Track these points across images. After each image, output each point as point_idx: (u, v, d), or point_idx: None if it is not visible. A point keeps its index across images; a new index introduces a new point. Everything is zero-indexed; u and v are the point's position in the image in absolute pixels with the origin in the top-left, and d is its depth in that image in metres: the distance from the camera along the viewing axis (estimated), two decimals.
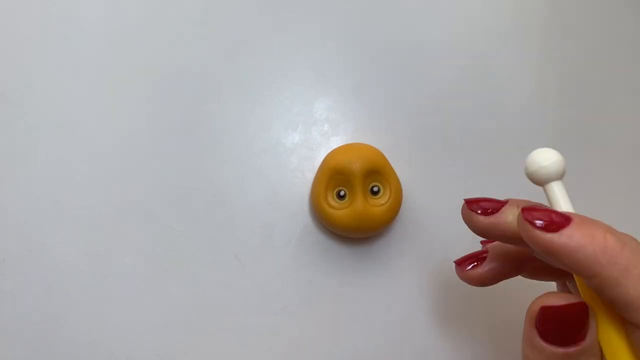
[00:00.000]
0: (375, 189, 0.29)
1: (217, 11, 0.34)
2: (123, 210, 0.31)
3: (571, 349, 0.18)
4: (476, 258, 0.24)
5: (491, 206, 0.23)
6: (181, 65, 0.33)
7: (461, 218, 0.32)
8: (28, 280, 0.30)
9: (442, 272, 0.31)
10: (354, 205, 0.28)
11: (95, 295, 0.30)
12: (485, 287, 0.32)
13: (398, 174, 0.30)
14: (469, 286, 0.30)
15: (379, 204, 0.29)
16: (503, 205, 0.22)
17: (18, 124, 0.32)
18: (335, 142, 0.32)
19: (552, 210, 0.21)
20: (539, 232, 0.20)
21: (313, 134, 0.33)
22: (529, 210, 0.20)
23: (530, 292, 0.29)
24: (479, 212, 0.23)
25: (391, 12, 0.34)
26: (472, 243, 0.31)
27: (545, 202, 0.22)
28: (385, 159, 0.30)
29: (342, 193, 0.29)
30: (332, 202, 0.29)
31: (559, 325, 0.19)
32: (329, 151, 0.31)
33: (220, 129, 0.32)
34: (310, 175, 0.32)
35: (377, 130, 0.32)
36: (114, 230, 0.31)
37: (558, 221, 0.20)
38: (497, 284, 0.24)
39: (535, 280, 0.24)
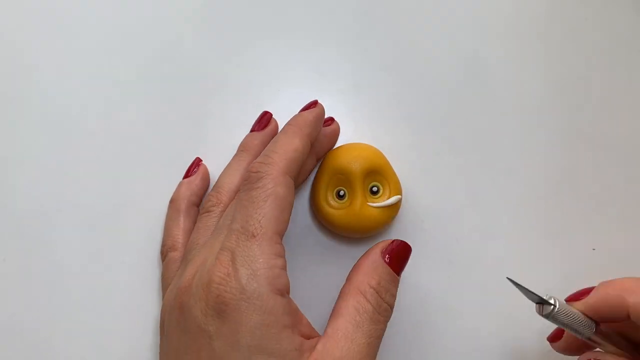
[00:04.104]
0: (375, 189, 0.29)
1: (218, 11, 0.34)
2: (123, 210, 0.31)
3: None
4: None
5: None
6: (181, 65, 0.33)
7: (461, 218, 0.33)
8: (28, 280, 0.30)
9: (441, 272, 0.31)
10: (354, 205, 0.28)
11: (95, 295, 0.30)
12: (487, 291, 0.32)
13: (398, 174, 0.30)
14: (469, 287, 0.30)
15: None
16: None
17: (18, 123, 0.32)
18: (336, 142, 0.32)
19: None
20: None
21: None
22: None
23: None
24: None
25: (391, 12, 0.34)
26: (472, 243, 0.31)
27: None
28: (385, 159, 0.30)
29: (341, 193, 0.29)
30: (332, 202, 0.29)
31: None
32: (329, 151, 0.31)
33: (221, 129, 0.32)
34: (310, 175, 0.32)
35: (377, 130, 0.32)
36: (114, 230, 0.31)
37: None
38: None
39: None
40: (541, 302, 0.22)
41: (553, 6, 0.35)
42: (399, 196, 0.29)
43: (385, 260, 0.25)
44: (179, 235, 0.29)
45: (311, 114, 0.28)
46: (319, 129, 0.28)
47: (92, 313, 0.30)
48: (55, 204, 0.31)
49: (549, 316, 0.22)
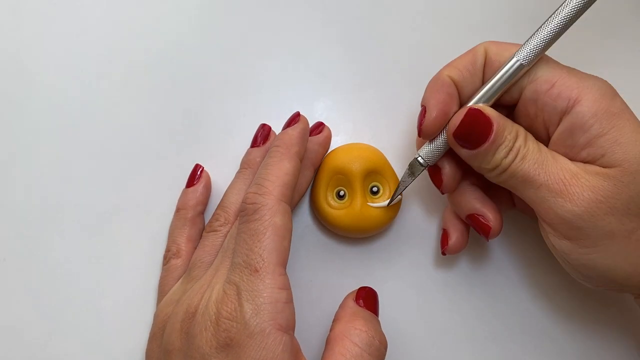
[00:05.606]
0: (375, 189, 0.29)
1: (218, 11, 0.34)
2: (123, 210, 0.31)
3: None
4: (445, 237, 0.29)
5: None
6: (181, 65, 0.33)
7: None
8: (28, 280, 0.30)
9: (442, 272, 0.31)
10: (354, 206, 0.28)
11: (95, 295, 0.30)
12: (487, 289, 0.32)
13: (398, 174, 0.30)
14: (469, 286, 0.30)
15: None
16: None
17: (18, 123, 0.32)
18: (335, 142, 0.32)
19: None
20: None
21: None
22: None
23: (532, 300, 0.29)
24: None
25: (392, 12, 0.34)
26: (472, 243, 0.31)
27: None
28: (385, 159, 0.30)
29: (342, 193, 0.29)
30: (332, 202, 0.29)
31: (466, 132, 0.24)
32: (329, 151, 0.31)
33: (221, 129, 0.32)
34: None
35: (377, 130, 0.32)
36: (114, 230, 0.31)
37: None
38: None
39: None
40: (411, 168, 0.27)
41: (552, 7, 0.35)
42: (399, 196, 0.29)
43: (360, 305, 0.26)
44: (183, 243, 0.29)
45: (295, 130, 0.28)
46: (306, 143, 0.28)
47: (92, 313, 0.30)
48: (55, 204, 0.31)
49: (424, 162, 0.26)
